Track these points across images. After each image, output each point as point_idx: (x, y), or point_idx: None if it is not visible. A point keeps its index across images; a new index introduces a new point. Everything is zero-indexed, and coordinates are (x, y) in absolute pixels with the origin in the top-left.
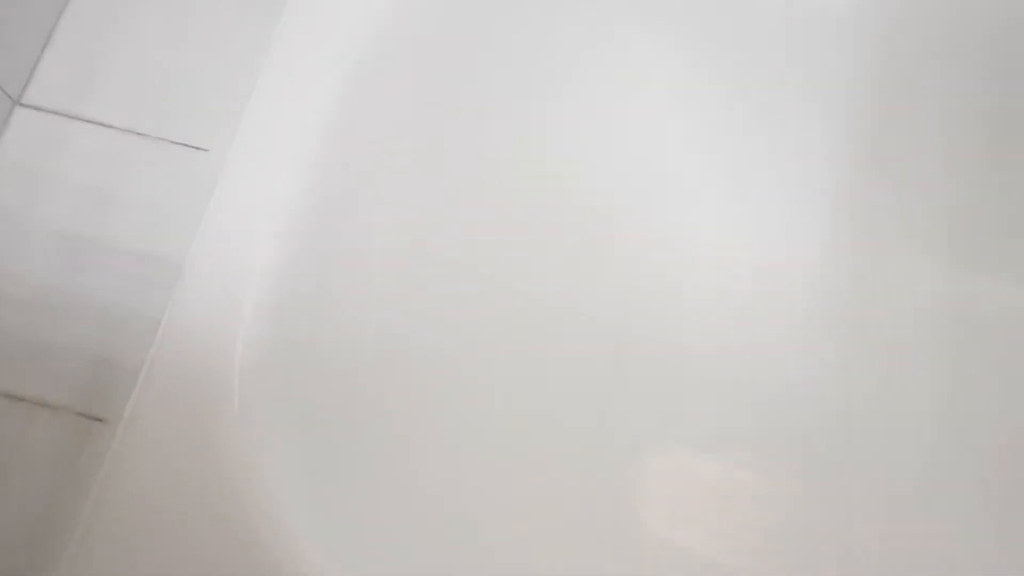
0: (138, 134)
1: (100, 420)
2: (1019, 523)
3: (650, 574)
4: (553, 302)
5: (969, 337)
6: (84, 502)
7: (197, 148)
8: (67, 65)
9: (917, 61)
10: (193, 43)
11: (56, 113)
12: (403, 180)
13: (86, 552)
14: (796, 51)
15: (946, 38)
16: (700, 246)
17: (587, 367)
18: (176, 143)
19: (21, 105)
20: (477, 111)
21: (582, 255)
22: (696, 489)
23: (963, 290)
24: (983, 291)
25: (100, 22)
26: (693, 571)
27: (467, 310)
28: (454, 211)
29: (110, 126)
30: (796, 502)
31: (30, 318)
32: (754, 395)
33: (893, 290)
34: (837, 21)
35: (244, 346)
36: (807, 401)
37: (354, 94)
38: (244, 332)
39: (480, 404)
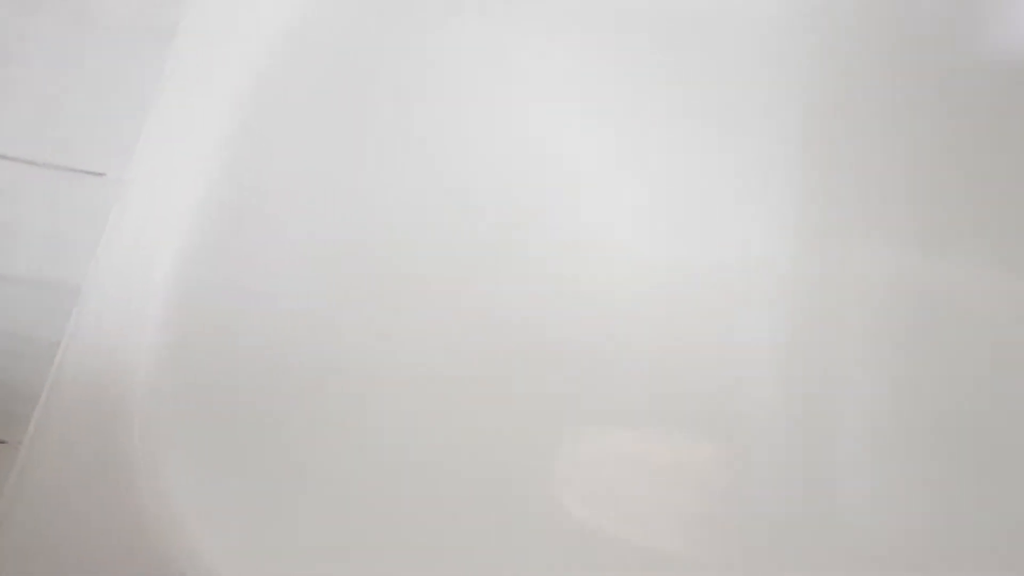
0: (31, 163)
1: (3, 442)
2: (960, 510)
3: (577, 561)
4: (470, 300)
5: (910, 319)
6: None
7: (94, 173)
8: None
9: (859, 50)
10: (85, 67)
11: None
12: (310, 186)
13: None
14: (717, 48)
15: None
16: (621, 243)
17: (502, 365)
18: (71, 170)
19: None
20: (388, 113)
21: (501, 252)
22: (621, 484)
23: (896, 271)
24: (922, 273)
25: None
26: (620, 557)
27: (380, 312)
28: (366, 215)
29: (1, 156)
30: (726, 489)
31: None
32: (684, 387)
33: (823, 278)
34: (750, 22)
35: (147, 362)
36: (732, 392)
37: (254, 105)
38: (146, 348)
39: (395, 403)
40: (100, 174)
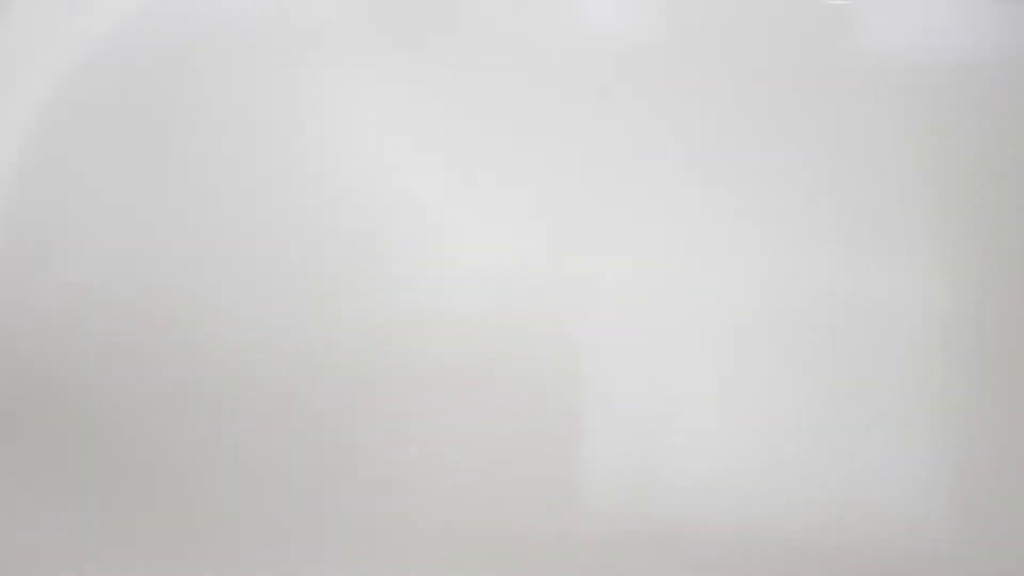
0: None
1: None
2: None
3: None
4: (294, 333)
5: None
6: None
7: None
8: None
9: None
10: None
11: None
12: (120, 216)
13: None
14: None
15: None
16: (466, 258)
17: (335, 397)
18: None
19: None
20: (219, 138)
21: (343, 266)
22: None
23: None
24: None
25: None
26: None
27: (197, 337)
28: (182, 242)
29: None
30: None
31: None
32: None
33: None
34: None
35: None
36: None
37: (59, 129)
38: None
39: (230, 407)
40: None
